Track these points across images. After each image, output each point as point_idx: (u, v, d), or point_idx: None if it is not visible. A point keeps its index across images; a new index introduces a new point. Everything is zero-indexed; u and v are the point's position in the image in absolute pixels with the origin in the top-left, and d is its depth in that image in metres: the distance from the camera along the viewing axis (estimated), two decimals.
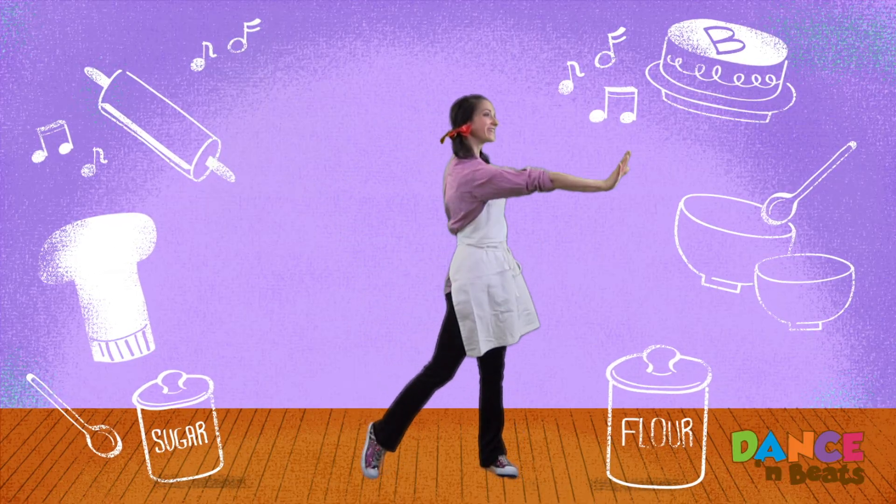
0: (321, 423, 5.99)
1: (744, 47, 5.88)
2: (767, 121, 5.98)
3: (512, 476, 5.12)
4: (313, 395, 6.20)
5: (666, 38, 5.93)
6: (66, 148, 5.98)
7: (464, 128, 4.89)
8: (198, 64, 5.96)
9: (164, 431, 5.31)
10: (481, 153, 5.01)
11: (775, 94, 5.94)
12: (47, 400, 5.71)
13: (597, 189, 4.85)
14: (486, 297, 4.91)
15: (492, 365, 5.06)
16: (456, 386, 6.01)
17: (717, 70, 5.87)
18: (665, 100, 5.98)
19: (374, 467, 5.06)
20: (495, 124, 4.92)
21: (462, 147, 4.93)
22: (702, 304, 6.14)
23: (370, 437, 5.10)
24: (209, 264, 6.13)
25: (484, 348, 4.93)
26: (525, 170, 4.83)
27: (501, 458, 5.15)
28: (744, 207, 6.08)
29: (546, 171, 4.81)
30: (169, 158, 6.02)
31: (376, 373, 6.14)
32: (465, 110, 4.91)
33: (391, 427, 5.06)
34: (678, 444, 5.23)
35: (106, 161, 6.02)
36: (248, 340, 6.18)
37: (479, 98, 4.93)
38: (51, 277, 6.03)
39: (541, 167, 4.82)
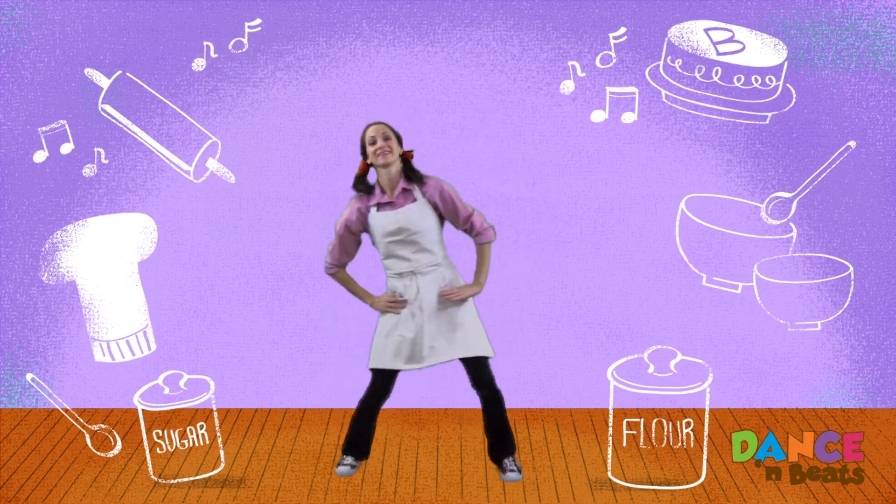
0: (321, 423, 5.99)
1: (744, 48, 5.88)
2: (767, 122, 5.98)
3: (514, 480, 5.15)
4: (313, 395, 6.20)
5: (666, 39, 5.92)
6: (67, 148, 5.97)
7: (361, 164, 5.06)
8: (198, 64, 5.96)
9: (165, 432, 5.31)
10: (406, 174, 5.08)
11: (775, 96, 5.94)
12: (47, 400, 5.71)
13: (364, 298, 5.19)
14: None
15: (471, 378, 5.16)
16: (456, 386, 6.01)
17: (717, 71, 5.87)
18: (665, 101, 5.98)
19: (341, 464, 5.16)
20: (381, 148, 4.96)
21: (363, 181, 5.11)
22: (702, 304, 6.14)
23: None
24: (209, 264, 6.13)
25: (372, 362, 5.08)
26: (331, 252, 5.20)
27: (506, 462, 5.17)
28: (744, 207, 6.08)
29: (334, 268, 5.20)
30: (169, 160, 6.01)
31: None
32: (361, 147, 5.03)
33: (350, 432, 5.19)
34: (679, 444, 5.23)
35: (107, 161, 6.02)
36: (248, 340, 6.18)
37: (366, 128, 5.03)
38: (52, 277, 6.02)
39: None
